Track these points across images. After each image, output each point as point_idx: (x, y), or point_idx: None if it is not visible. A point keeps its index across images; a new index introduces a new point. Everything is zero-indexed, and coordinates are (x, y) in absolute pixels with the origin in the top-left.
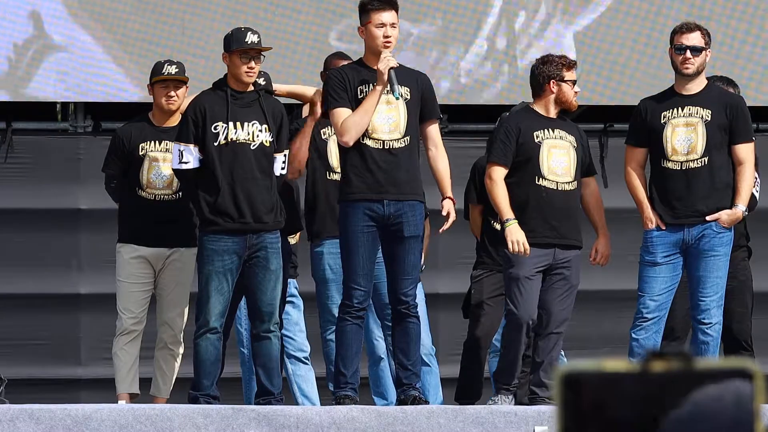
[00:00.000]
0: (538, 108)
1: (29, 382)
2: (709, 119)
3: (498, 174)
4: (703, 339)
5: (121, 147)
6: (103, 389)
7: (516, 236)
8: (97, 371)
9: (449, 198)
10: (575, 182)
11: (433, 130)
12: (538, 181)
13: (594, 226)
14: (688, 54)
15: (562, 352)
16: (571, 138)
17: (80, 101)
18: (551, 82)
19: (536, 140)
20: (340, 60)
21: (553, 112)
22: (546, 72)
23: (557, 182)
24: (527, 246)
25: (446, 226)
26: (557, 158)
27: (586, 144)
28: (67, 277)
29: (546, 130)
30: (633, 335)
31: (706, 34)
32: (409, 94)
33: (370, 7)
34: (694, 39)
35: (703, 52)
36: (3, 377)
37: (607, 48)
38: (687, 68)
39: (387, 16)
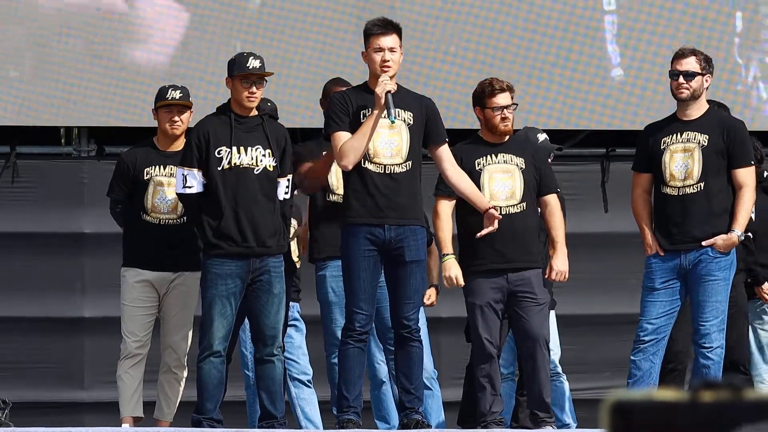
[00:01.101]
0: (483, 134)
1: (33, 406)
2: (705, 144)
3: (442, 207)
4: (704, 363)
5: (126, 172)
6: (107, 413)
7: (449, 272)
8: (101, 395)
9: (493, 207)
10: (523, 204)
11: (444, 152)
12: None
13: (551, 243)
14: (681, 79)
15: (564, 376)
16: (519, 160)
17: (84, 125)
18: (476, 109)
19: (477, 168)
20: (339, 86)
21: (493, 137)
22: (473, 99)
23: (500, 207)
24: (461, 281)
25: (486, 231)
26: (500, 183)
27: (541, 164)
28: (72, 301)
29: (488, 156)
30: (631, 357)
31: (702, 60)
32: (412, 118)
33: (370, 32)
34: (687, 64)
35: (699, 77)
36: (7, 400)
37: (603, 74)
38: (681, 93)
39: (386, 40)
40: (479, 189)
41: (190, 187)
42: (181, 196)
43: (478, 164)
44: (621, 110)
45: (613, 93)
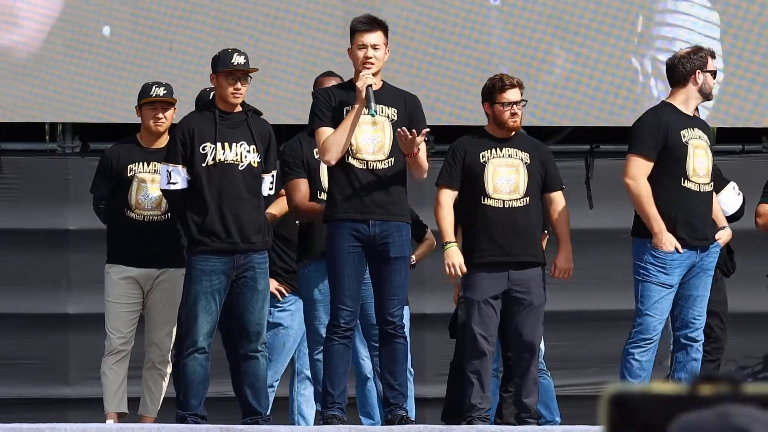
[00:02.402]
0: (490, 129)
1: (17, 402)
2: (709, 143)
3: (444, 197)
4: (695, 356)
5: (110, 168)
6: (91, 409)
7: (451, 260)
8: (85, 391)
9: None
10: (527, 198)
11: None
12: (484, 200)
13: (557, 241)
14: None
15: (549, 373)
16: (524, 155)
17: (68, 122)
18: (485, 104)
19: (482, 160)
20: (330, 79)
21: (500, 132)
22: (482, 94)
23: (503, 200)
24: (463, 269)
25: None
26: (504, 176)
27: (546, 159)
28: (56, 297)
29: (493, 149)
30: (636, 357)
31: None
32: (396, 114)
33: (355, 28)
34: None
35: None
36: None
37: (592, 65)
38: (713, 91)
39: (369, 37)
40: (482, 182)
41: (174, 184)
42: (165, 193)
43: (483, 157)
44: (606, 106)
45: (597, 90)
